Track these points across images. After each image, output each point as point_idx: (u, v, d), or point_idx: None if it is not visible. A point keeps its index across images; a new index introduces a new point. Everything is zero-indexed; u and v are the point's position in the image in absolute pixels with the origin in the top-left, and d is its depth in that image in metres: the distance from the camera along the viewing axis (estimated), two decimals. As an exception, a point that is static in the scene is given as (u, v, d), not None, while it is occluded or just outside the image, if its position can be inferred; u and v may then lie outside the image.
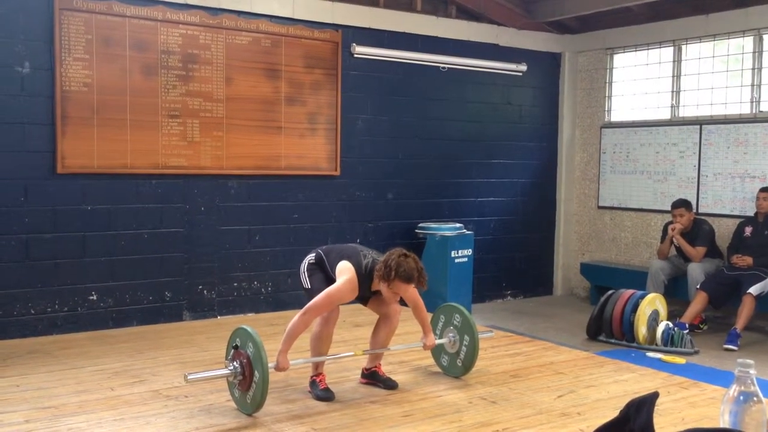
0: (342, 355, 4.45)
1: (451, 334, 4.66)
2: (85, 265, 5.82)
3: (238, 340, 3.93)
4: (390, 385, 4.37)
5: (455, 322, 4.66)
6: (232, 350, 3.93)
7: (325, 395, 4.13)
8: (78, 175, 5.75)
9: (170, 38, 6.06)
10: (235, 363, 3.88)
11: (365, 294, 4.20)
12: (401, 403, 4.10)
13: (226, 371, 3.92)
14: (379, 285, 4.07)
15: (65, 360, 4.93)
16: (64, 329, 5.73)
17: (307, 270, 4.30)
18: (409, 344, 4.73)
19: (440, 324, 4.76)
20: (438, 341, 4.63)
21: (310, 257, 4.35)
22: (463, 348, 4.59)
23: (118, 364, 4.82)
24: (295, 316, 4.03)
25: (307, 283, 4.26)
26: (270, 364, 3.81)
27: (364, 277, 4.08)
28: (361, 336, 5.41)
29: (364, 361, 4.53)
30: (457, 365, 4.64)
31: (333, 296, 4.02)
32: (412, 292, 4.23)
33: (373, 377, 4.42)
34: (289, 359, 3.96)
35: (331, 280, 4.15)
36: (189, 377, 3.82)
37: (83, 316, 5.82)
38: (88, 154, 5.75)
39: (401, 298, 4.31)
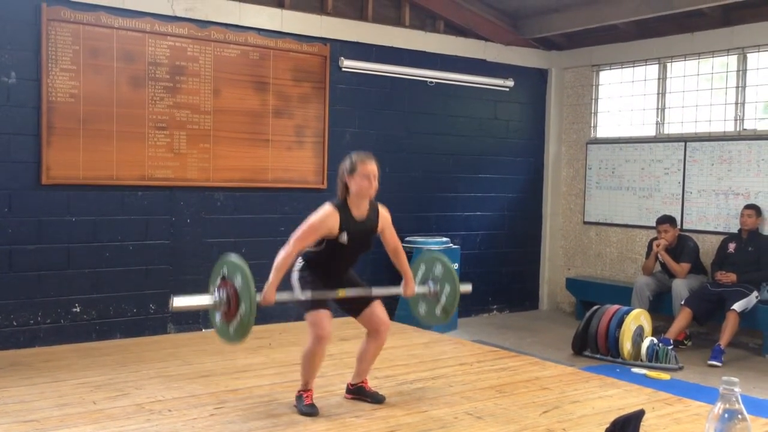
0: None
1: (431, 282, 4.55)
2: (69, 276, 5.78)
3: (225, 269, 3.87)
4: (377, 399, 4.34)
5: (436, 273, 4.54)
6: (219, 279, 3.87)
7: (310, 411, 4.10)
8: (63, 186, 5.71)
9: (158, 50, 6.05)
10: (220, 292, 3.82)
11: (351, 227, 4.07)
12: (386, 419, 4.08)
13: (211, 300, 3.86)
14: (353, 192, 4.07)
15: (47, 373, 4.88)
16: (47, 341, 5.67)
17: (299, 279, 4.17)
18: (389, 288, 4.58)
19: (420, 272, 4.63)
20: (418, 290, 4.52)
21: (298, 264, 4.22)
22: (443, 298, 4.49)
23: (101, 377, 4.78)
24: (281, 250, 3.99)
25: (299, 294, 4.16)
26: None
27: (341, 205, 4.08)
28: (347, 350, 5.40)
29: (349, 377, 4.50)
30: (434, 314, 4.57)
31: (314, 223, 4.01)
32: (389, 228, 4.24)
33: (359, 392, 4.39)
34: (275, 293, 3.92)
35: (316, 282, 4.10)
36: (175, 303, 3.78)
37: (66, 329, 5.76)
38: (73, 165, 5.72)
39: (385, 249, 4.30)
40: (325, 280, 4.14)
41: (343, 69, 7.01)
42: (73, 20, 5.66)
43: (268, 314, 6.67)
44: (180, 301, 3.84)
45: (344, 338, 5.76)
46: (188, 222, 6.29)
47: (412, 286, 4.44)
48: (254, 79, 6.52)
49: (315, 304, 4.07)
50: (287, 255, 3.98)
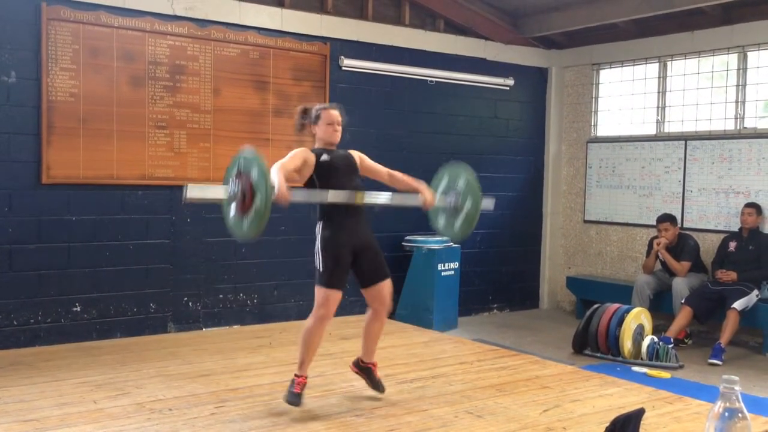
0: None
1: (452, 195, 4.41)
2: (70, 276, 5.78)
3: (241, 162, 3.82)
4: (379, 387, 4.35)
5: (459, 186, 4.42)
6: (234, 172, 3.82)
7: (294, 400, 4.08)
8: (63, 186, 5.71)
9: (158, 49, 6.05)
10: (235, 184, 3.77)
11: (326, 152, 4.20)
12: (387, 417, 4.08)
13: (225, 192, 3.80)
14: (318, 138, 4.25)
15: (48, 372, 4.88)
16: (47, 341, 5.67)
17: (321, 240, 4.19)
18: (408, 196, 4.43)
19: (443, 184, 4.47)
20: (438, 202, 4.36)
21: (318, 226, 4.24)
22: (464, 212, 4.37)
23: (102, 377, 4.78)
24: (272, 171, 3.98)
25: (320, 264, 4.16)
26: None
27: (314, 150, 4.24)
28: (347, 349, 5.40)
29: (349, 375, 4.50)
30: (453, 228, 4.47)
31: (290, 155, 4.15)
32: (368, 160, 4.39)
33: (366, 373, 4.37)
34: (290, 193, 3.85)
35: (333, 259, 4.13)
36: (189, 194, 3.73)
37: (67, 328, 5.77)
38: (73, 164, 5.72)
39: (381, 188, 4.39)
40: (343, 228, 4.16)
41: (343, 68, 7.00)
42: (73, 19, 5.66)
43: (268, 314, 6.68)
44: (194, 191, 3.82)
45: (344, 337, 5.76)
46: (188, 221, 6.29)
47: (429, 197, 4.29)
48: (254, 78, 6.52)
49: (330, 282, 4.09)
50: (280, 175, 3.90)
